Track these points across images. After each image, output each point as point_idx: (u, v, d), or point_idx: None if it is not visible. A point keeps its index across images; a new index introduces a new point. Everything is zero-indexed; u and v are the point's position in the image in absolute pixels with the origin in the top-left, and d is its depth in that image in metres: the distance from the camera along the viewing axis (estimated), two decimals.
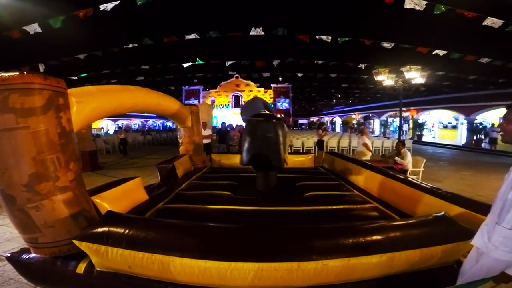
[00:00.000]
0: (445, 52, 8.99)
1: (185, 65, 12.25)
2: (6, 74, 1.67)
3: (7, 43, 7.66)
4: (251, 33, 8.65)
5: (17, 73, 1.69)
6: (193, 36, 8.89)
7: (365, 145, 6.61)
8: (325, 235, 1.73)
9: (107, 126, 31.63)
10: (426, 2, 6.43)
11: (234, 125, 14.50)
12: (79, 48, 9.97)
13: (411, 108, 21.16)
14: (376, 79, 10.28)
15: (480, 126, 16.55)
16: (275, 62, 11.89)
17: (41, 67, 9.72)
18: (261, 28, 8.55)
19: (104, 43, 9.96)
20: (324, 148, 10.20)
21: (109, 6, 6.50)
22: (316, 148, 10.31)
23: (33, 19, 7.07)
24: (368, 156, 6.66)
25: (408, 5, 6.51)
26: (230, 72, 22.71)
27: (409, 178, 3.24)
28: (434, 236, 1.73)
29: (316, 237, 1.69)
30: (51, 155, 1.76)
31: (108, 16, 6.90)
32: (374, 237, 1.68)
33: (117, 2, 6.41)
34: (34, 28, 7.05)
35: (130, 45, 9.48)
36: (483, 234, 1.37)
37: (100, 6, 6.49)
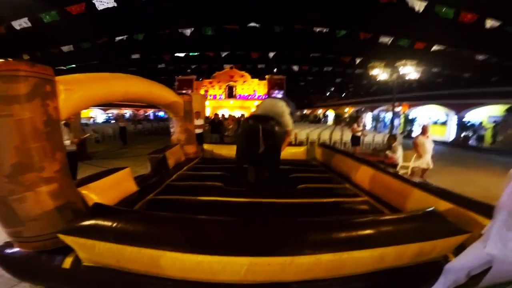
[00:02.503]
0: (443, 47, 9.04)
1: (179, 54, 12.02)
2: None
3: None
4: (248, 25, 8.56)
5: (2, 60, 1.62)
6: (188, 31, 8.74)
7: (415, 145, 5.54)
8: (319, 229, 1.72)
9: (97, 115, 31.01)
10: (425, 3, 6.45)
11: (226, 115, 14.37)
12: (66, 40, 9.68)
13: (404, 103, 21.37)
14: (370, 74, 10.29)
15: (469, 124, 16.89)
16: (271, 54, 11.77)
17: (26, 58, 9.43)
18: (259, 24, 8.47)
19: (93, 35, 9.69)
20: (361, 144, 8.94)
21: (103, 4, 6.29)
22: (350, 145, 9.04)
23: (23, 14, 6.81)
24: (420, 162, 5.41)
25: (409, 4, 6.54)
26: (225, 65, 22.42)
27: (398, 173, 3.27)
28: (424, 231, 1.74)
29: (310, 231, 1.68)
30: (35, 143, 1.68)
31: (99, 11, 6.68)
32: (367, 232, 1.68)
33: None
34: (19, 23, 6.80)
35: (123, 37, 9.24)
36: (497, 242, 1.41)
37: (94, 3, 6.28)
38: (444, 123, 19.85)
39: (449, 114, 18.58)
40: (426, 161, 5.54)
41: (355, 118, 10.29)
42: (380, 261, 1.65)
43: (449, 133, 18.16)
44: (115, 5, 6.35)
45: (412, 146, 5.65)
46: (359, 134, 8.48)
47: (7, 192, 1.64)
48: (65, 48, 9.58)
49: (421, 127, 5.86)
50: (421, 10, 6.54)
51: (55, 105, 1.85)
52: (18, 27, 6.84)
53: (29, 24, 6.85)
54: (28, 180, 1.66)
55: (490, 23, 6.84)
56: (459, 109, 17.10)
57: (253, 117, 3.42)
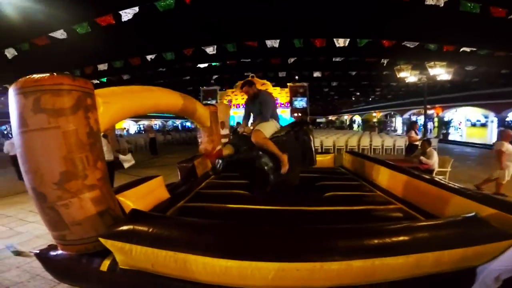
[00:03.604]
0: (473, 49, 8.47)
1: (202, 65, 12.44)
2: (37, 76, 1.73)
3: (31, 52, 8.12)
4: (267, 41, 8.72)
5: (48, 74, 1.76)
6: (211, 48, 9.08)
7: (499, 153, 4.70)
8: (349, 235, 1.68)
9: (129, 126, 32.82)
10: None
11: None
12: (100, 57, 10.45)
13: (436, 105, 20.24)
14: (398, 76, 9.89)
15: None
16: (291, 60, 11.76)
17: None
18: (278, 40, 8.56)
19: (125, 53, 10.40)
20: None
21: (129, 13, 6.67)
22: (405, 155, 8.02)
23: (57, 26, 7.44)
24: (499, 174, 4.72)
25: (428, 1, 6.17)
26: (246, 74, 22.77)
27: (435, 178, 3.09)
28: (465, 237, 1.65)
29: (340, 237, 1.65)
30: (80, 154, 1.82)
31: (129, 26, 7.14)
32: (401, 238, 1.61)
33: (136, 9, 6.57)
34: (58, 35, 7.42)
35: (152, 56, 9.81)
36: None
37: (121, 14, 6.68)
38: (483, 125, 18.46)
39: (488, 116, 17.25)
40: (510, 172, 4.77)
41: (411, 125, 9.07)
42: (415, 267, 1.57)
43: (491, 135, 16.82)
44: (137, 10, 6.61)
45: (496, 154, 4.83)
46: (417, 143, 7.45)
47: (56, 198, 1.78)
48: (101, 67, 10.39)
49: (499, 132, 5.15)
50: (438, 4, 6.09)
51: (96, 117, 1.99)
52: (60, 37, 7.41)
53: (65, 36, 7.40)
54: (74, 187, 1.80)
55: None
56: (500, 109, 15.82)
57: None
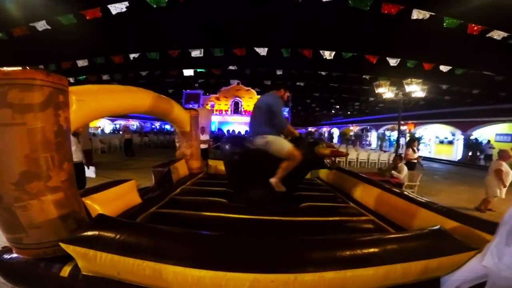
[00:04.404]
0: (449, 68, 9.02)
1: (186, 72, 12.30)
2: (9, 69, 1.64)
3: (11, 41, 7.64)
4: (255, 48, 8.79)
5: (20, 68, 1.67)
6: (198, 52, 9.00)
7: (498, 172, 4.94)
8: (323, 246, 1.70)
9: (105, 125, 31.50)
10: (430, 13, 6.39)
11: (231, 131, 14.47)
12: (82, 52, 9.99)
13: (409, 122, 21.33)
14: (376, 92, 10.33)
15: (476, 142, 16.68)
16: (279, 72, 11.95)
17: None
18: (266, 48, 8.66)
19: (108, 49, 10.01)
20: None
21: (118, 8, 6.43)
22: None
23: (41, 16, 7.07)
24: (499, 191, 4.96)
25: (415, 15, 6.40)
26: (232, 81, 22.78)
27: (405, 192, 3.23)
28: (431, 249, 1.74)
29: (314, 249, 1.66)
30: (45, 153, 1.71)
31: (115, 22, 6.91)
32: (371, 250, 1.66)
33: (126, 4, 6.35)
34: (41, 25, 7.04)
35: (135, 55, 9.54)
36: (493, 256, 1.48)
37: (110, 8, 6.44)
38: (450, 142, 19.64)
39: (455, 133, 18.42)
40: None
41: (411, 142, 8.73)
42: (384, 279, 1.62)
43: (456, 153, 17.92)
44: (126, 8, 6.37)
45: (496, 174, 5.03)
46: (415, 161, 7.29)
47: (12, 199, 1.65)
48: (80, 63, 9.92)
49: (498, 152, 5.26)
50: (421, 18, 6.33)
51: (66, 116, 1.89)
52: (40, 29, 6.99)
53: (47, 26, 6.98)
54: (35, 188, 1.68)
55: (496, 33, 6.60)
56: (465, 127, 16.96)
57: None
